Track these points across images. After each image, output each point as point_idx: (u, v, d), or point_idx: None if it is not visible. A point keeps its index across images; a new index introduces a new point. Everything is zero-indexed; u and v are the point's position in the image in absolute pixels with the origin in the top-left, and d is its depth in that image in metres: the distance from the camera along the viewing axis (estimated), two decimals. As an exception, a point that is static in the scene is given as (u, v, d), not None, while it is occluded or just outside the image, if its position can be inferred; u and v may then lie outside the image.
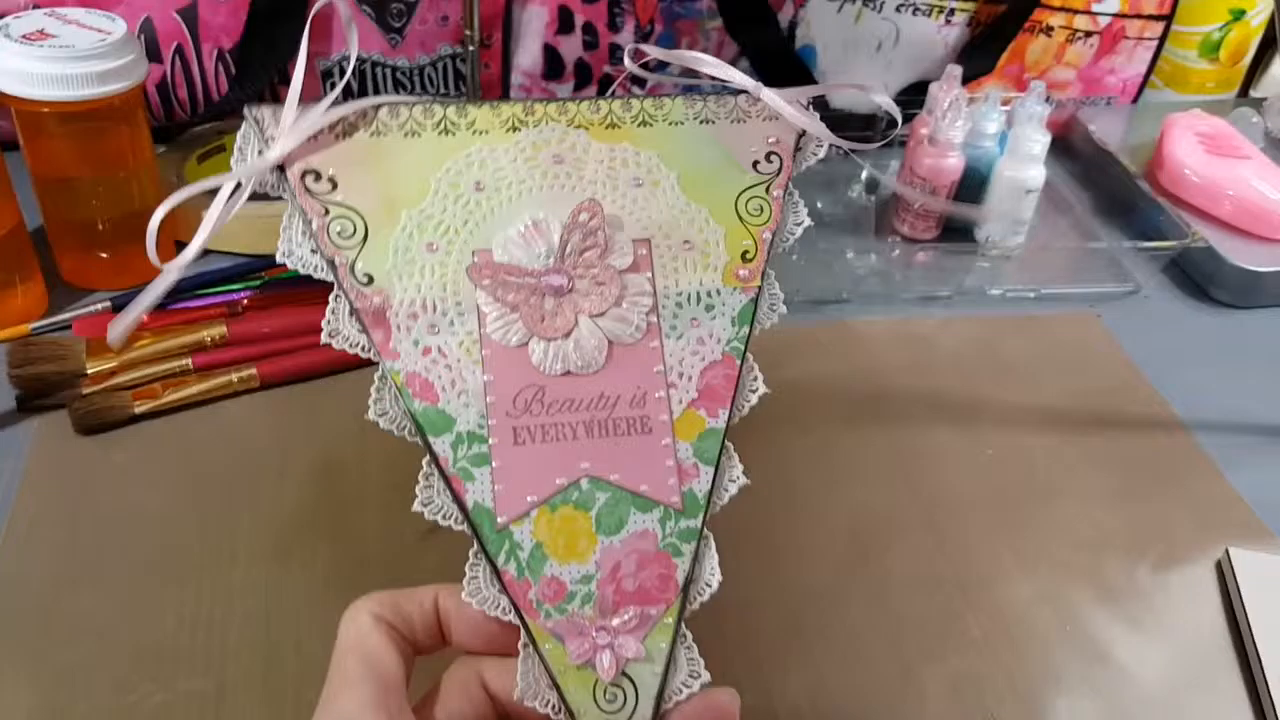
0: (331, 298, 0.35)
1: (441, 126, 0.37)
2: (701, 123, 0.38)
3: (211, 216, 0.36)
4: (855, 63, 0.83)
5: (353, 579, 0.49)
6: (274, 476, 0.54)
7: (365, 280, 0.35)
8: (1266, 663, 0.48)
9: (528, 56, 0.79)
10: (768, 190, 0.38)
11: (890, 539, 0.54)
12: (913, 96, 0.80)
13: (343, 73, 0.79)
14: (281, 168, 0.36)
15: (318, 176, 0.36)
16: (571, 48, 0.78)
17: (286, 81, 0.79)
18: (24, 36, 0.58)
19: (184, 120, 0.78)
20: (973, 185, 0.73)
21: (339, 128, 0.36)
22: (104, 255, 0.66)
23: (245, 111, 0.36)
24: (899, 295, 0.72)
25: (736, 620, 0.48)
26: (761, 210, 0.38)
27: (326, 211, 0.35)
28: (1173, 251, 0.74)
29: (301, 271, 0.35)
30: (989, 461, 0.59)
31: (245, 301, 0.63)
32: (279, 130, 0.36)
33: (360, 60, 0.79)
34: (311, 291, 0.64)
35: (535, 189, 0.37)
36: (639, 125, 0.38)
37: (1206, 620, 0.51)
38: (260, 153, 0.36)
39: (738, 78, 0.39)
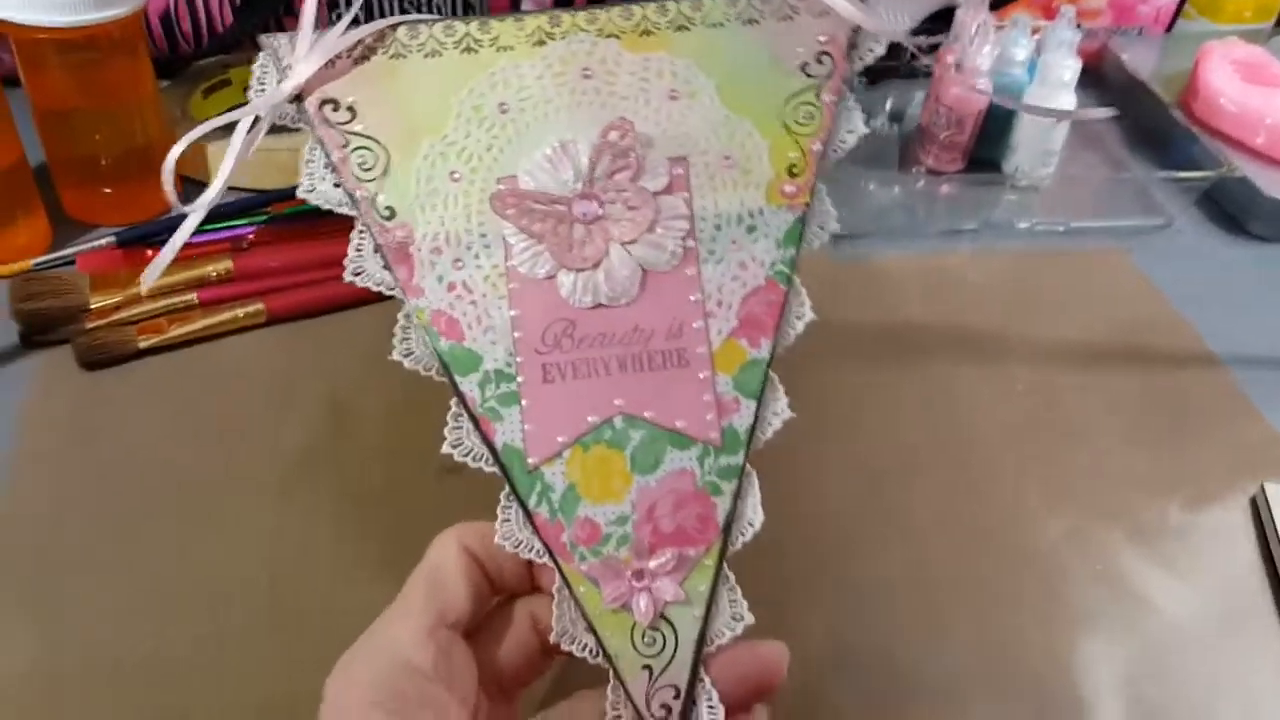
0: (354, 233, 0.34)
1: (463, 44, 0.35)
2: (745, 23, 0.36)
3: (232, 151, 0.35)
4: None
5: (357, 518, 0.48)
6: (279, 413, 0.53)
7: (388, 214, 0.34)
8: (1304, 601, 0.47)
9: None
10: (818, 95, 0.35)
11: (917, 477, 0.52)
12: (940, 23, 0.77)
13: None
14: (300, 98, 0.34)
15: (336, 105, 0.34)
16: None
17: (292, 13, 0.76)
18: (20, -39, 0.56)
19: (188, 53, 0.76)
20: (1000, 115, 0.71)
21: (356, 51, 0.34)
22: (107, 190, 0.64)
23: (261, 40, 0.35)
24: (923, 229, 0.70)
25: (757, 561, 0.47)
26: (811, 118, 0.35)
27: (347, 143, 0.34)
28: (1207, 183, 0.72)
29: (324, 207, 0.34)
30: (1017, 398, 0.57)
31: (251, 237, 0.62)
32: (295, 58, 0.34)
33: (368, -9, 0.77)
34: (317, 226, 0.62)
35: (563, 108, 0.34)
36: (675, 30, 0.35)
37: (1242, 558, 0.50)
38: (278, 83, 0.34)
39: None
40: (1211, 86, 0.75)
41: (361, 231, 0.34)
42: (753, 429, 0.33)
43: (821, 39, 0.35)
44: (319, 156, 0.34)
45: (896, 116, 0.75)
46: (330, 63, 0.34)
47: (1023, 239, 0.70)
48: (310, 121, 0.34)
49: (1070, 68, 0.68)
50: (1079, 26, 0.70)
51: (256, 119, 0.35)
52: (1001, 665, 0.44)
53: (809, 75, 0.35)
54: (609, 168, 0.34)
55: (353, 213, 0.34)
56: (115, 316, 0.56)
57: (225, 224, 0.62)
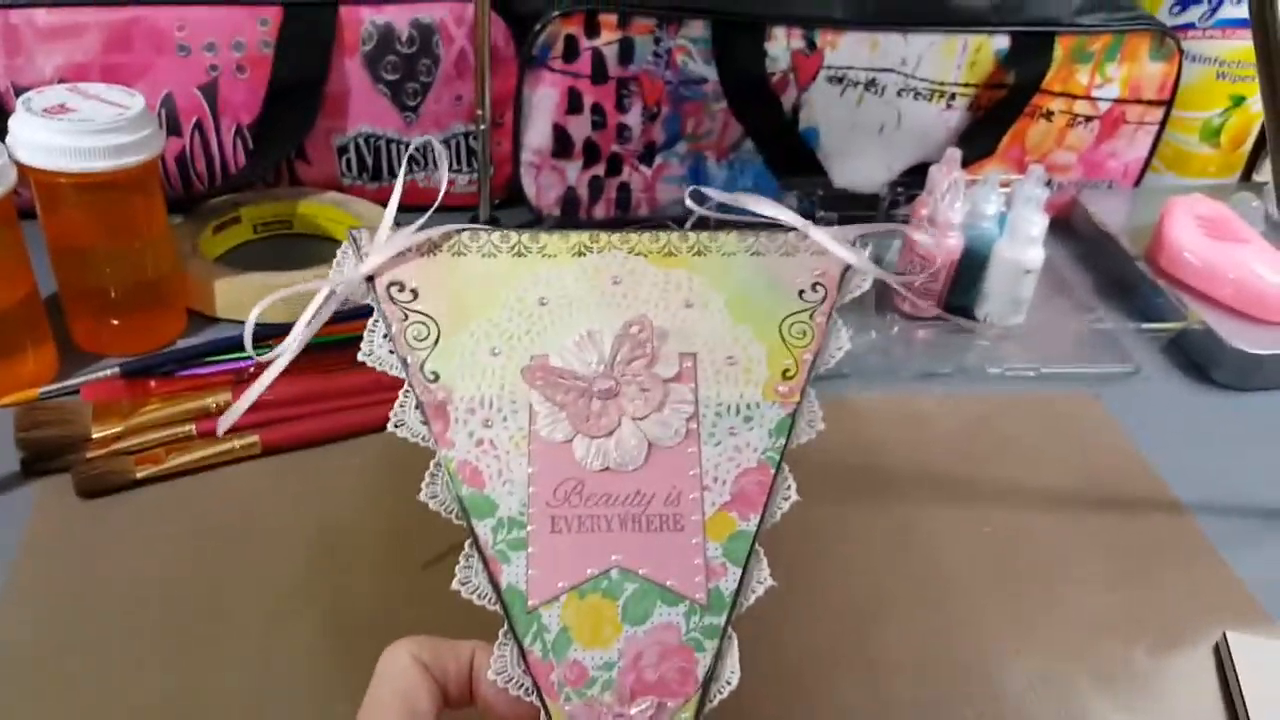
0: (401, 393, 0.38)
1: (515, 249, 0.41)
2: (752, 254, 0.41)
3: (305, 318, 0.41)
4: (858, 145, 0.84)
5: (344, 648, 0.49)
6: (270, 543, 0.55)
7: (433, 377, 0.38)
8: (1261, 748, 0.48)
9: (538, 135, 0.80)
10: (811, 316, 0.40)
11: (885, 617, 0.54)
12: (914, 178, 0.81)
13: (358, 148, 0.81)
14: (371, 279, 0.40)
15: (402, 287, 0.40)
16: (580, 127, 0.80)
17: (303, 156, 0.81)
18: (45, 110, 0.60)
19: (201, 192, 0.80)
20: (972, 265, 0.74)
21: (424, 246, 0.40)
22: (115, 322, 0.67)
23: (347, 233, 0.41)
24: (899, 372, 0.72)
25: (727, 701, 0.48)
26: (805, 334, 0.40)
27: (406, 317, 0.39)
28: (1172, 333, 0.75)
29: (378, 369, 0.39)
30: (986, 540, 0.59)
31: (251, 369, 0.64)
32: (373, 247, 0.40)
33: (375, 137, 0.81)
34: (314, 362, 0.65)
35: (593, 304, 0.40)
36: (694, 254, 0.41)
37: (1204, 706, 0.51)
38: (356, 265, 0.40)
39: (788, 217, 0.42)
40: (1176, 241, 0.79)
41: (407, 391, 0.38)
42: (737, 593, 0.37)
43: (817, 272, 0.41)
44: (380, 327, 0.39)
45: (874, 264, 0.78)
46: (401, 254, 0.40)
47: (995, 383, 0.72)
48: (378, 298, 0.40)
49: (1038, 223, 0.72)
50: (1049, 182, 0.73)
51: (331, 292, 0.41)
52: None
53: (805, 300, 0.41)
54: (628, 355, 0.39)
55: (402, 375, 0.39)
56: (115, 446, 0.58)
57: (227, 356, 0.64)
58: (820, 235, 0.41)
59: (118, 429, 0.59)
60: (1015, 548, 0.59)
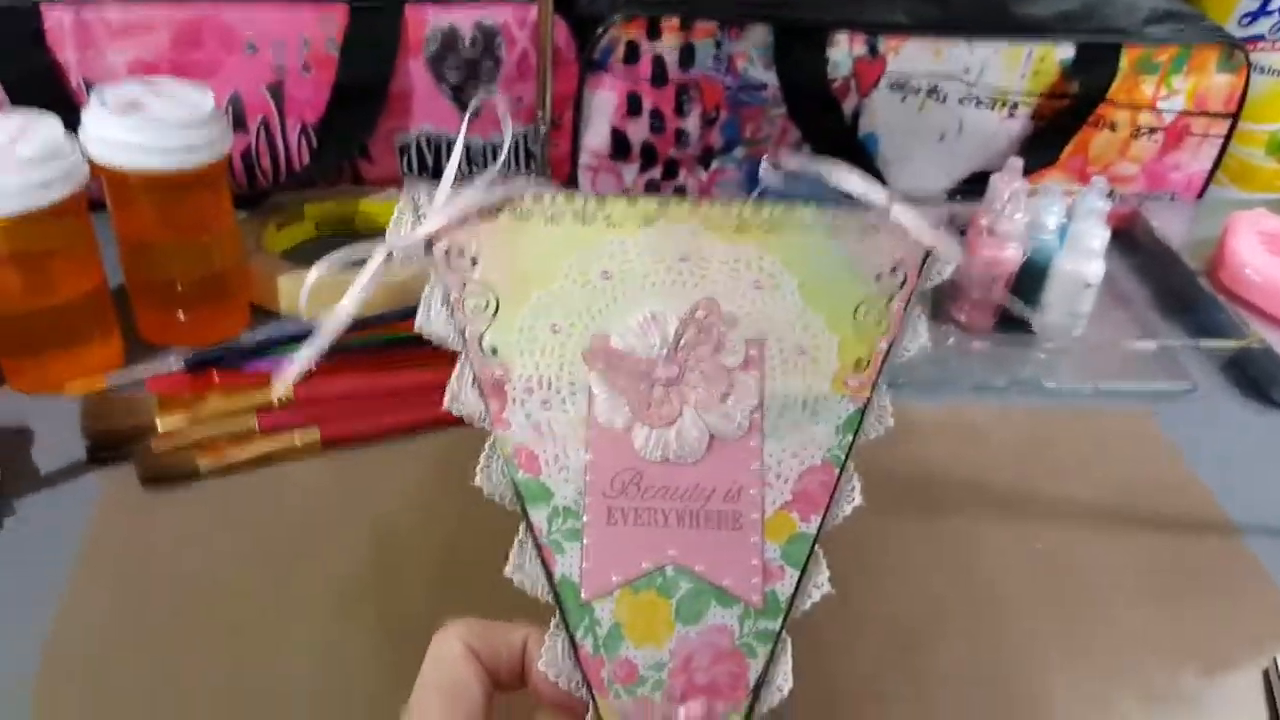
0: (458, 365, 0.37)
1: (580, 215, 0.38)
2: (829, 232, 0.39)
3: (361, 282, 0.38)
4: (917, 152, 0.84)
5: (401, 644, 0.50)
6: (329, 538, 0.56)
7: (491, 352, 0.37)
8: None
9: (596, 137, 0.81)
10: (889, 304, 0.38)
11: (934, 632, 0.54)
12: (974, 186, 0.81)
13: (419, 148, 0.82)
14: (430, 242, 0.38)
15: (461, 253, 0.37)
16: (638, 130, 0.81)
17: (366, 155, 0.82)
18: (118, 106, 0.61)
19: (266, 188, 0.81)
20: (1032, 277, 0.73)
21: (486, 210, 0.38)
22: (181, 315, 0.68)
23: (404, 188, 0.38)
24: (953, 383, 0.72)
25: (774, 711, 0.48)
26: (880, 322, 0.38)
27: (465, 285, 0.37)
28: (1232, 351, 0.74)
29: (434, 340, 0.37)
30: (1037, 556, 0.59)
31: (314, 365, 0.65)
32: (432, 208, 0.38)
33: (437, 137, 0.82)
34: (376, 359, 0.66)
35: (658, 283, 0.38)
36: (767, 230, 0.38)
37: (1253, 729, 0.51)
38: (413, 228, 0.38)
39: (871, 192, 0.39)
40: (1238, 257, 0.78)
41: (464, 364, 0.37)
42: (793, 598, 0.36)
43: (897, 255, 0.38)
44: (438, 294, 0.37)
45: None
46: (461, 216, 0.38)
47: (1050, 397, 0.72)
48: (436, 264, 0.38)
49: (1099, 236, 0.71)
50: (1110, 194, 0.72)
51: (389, 255, 0.38)
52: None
53: (882, 284, 0.38)
54: (693, 340, 0.37)
55: (458, 348, 0.37)
56: (179, 438, 0.59)
57: (290, 350, 0.65)
58: (903, 212, 0.38)
59: (181, 421, 0.60)
60: (1066, 565, 0.58)
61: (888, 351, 0.38)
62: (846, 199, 0.39)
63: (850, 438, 0.37)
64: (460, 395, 0.37)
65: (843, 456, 0.37)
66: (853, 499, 0.37)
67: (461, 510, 0.56)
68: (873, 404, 0.37)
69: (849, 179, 0.39)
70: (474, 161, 0.83)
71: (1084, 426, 0.69)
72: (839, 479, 0.37)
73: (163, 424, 0.60)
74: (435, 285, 0.37)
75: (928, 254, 0.38)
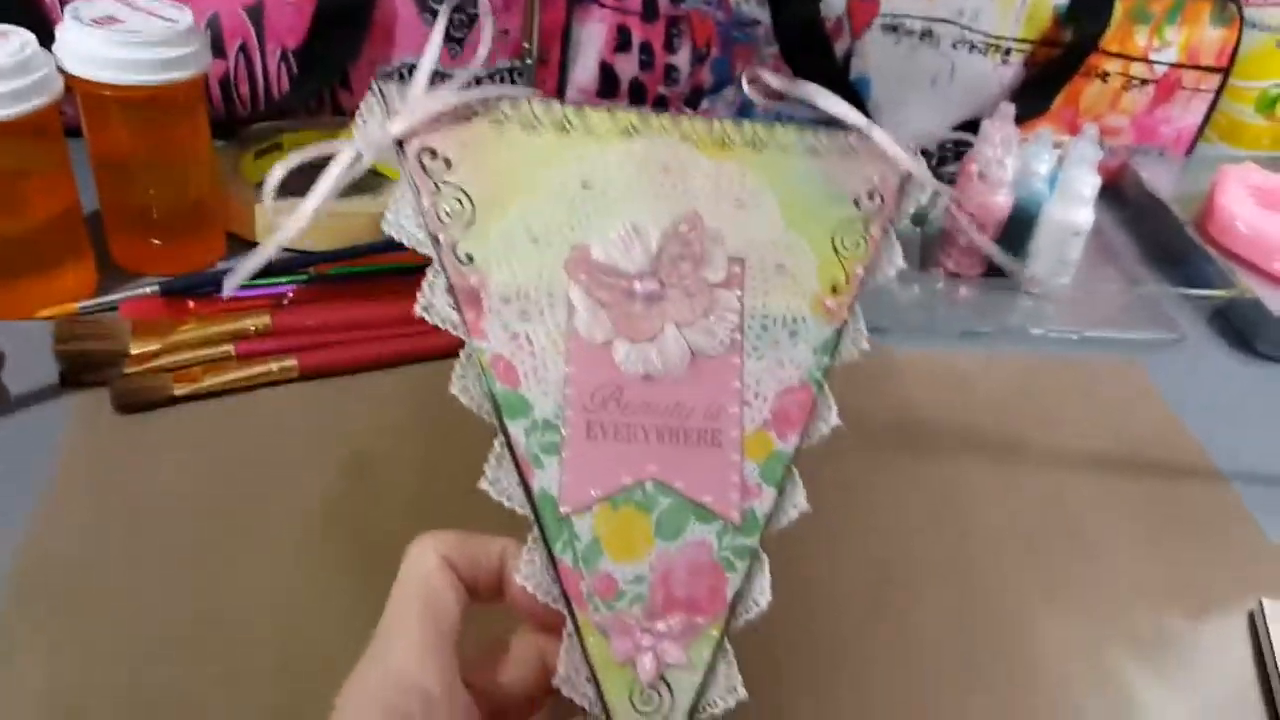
0: (430, 272, 0.36)
1: (560, 124, 0.38)
2: (810, 152, 0.39)
3: (328, 180, 0.37)
4: (909, 96, 0.83)
5: (374, 570, 0.49)
6: (304, 466, 0.55)
7: (466, 260, 0.36)
8: (1297, 717, 0.47)
9: (584, 73, 0.79)
10: (867, 227, 0.38)
11: (919, 575, 0.53)
12: (965, 132, 0.80)
13: (402, 79, 0.80)
14: (400, 142, 0.36)
15: (434, 155, 0.37)
16: (627, 66, 0.79)
17: (346, 84, 0.80)
18: (93, 20, 0.59)
19: (243, 116, 0.79)
20: (1021, 224, 0.73)
21: (462, 111, 0.37)
22: (156, 241, 0.67)
23: (373, 83, 0.37)
24: (940, 329, 0.71)
25: (761, 648, 0.48)
26: (858, 245, 0.38)
27: (438, 189, 0.36)
28: (1219, 301, 0.74)
29: (405, 244, 0.36)
30: (1024, 502, 0.58)
31: (291, 294, 0.64)
32: (405, 105, 0.37)
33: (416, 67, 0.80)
34: (354, 289, 0.65)
35: (640, 194, 0.37)
36: (748, 147, 0.38)
37: (1237, 673, 0.50)
38: (382, 125, 0.37)
39: (851, 115, 0.39)
40: (1227, 210, 0.78)
41: (436, 271, 0.36)
42: (770, 516, 0.36)
43: (875, 179, 0.39)
44: (409, 197, 0.36)
45: (919, 219, 0.77)
46: (435, 117, 0.37)
47: (1036, 345, 0.72)
48: (408, 165, 0.37)
49: (1090, 184, 0.71)
50: (1101, 144, 0.72)
51: (358, 156, 0.37)
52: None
53: (861, 208, 0.38)
54: (675, 255, 0.37)
55: (430, 253, 0.36)
56: (153, 363, 0.58)
57: (268, 280, 0.64)
58: (883, 136, 0.39)
59: (156, 346, 0.59)
60: (1052, 511, 0.58)
61: (865, 276, 0.38)
62: (826, 122, 0.39)
63: (827, 359, 0.37)
64: (433, 302, 0.36)
65: (820, 377, 0.37)
66: (830, 420, 0.37)
67: (439, 439, 0.55)
68: (849, 327, 0.38)
69: (829, 101, 0.39)
70: (458, 94, 0.81)
71: (1071, 374, 0.69)
72: (816, 400, 0.37)
73: (136, 348, 0.58)
74: (406, 186, 0.36)
75: (905, 179, 0.39)
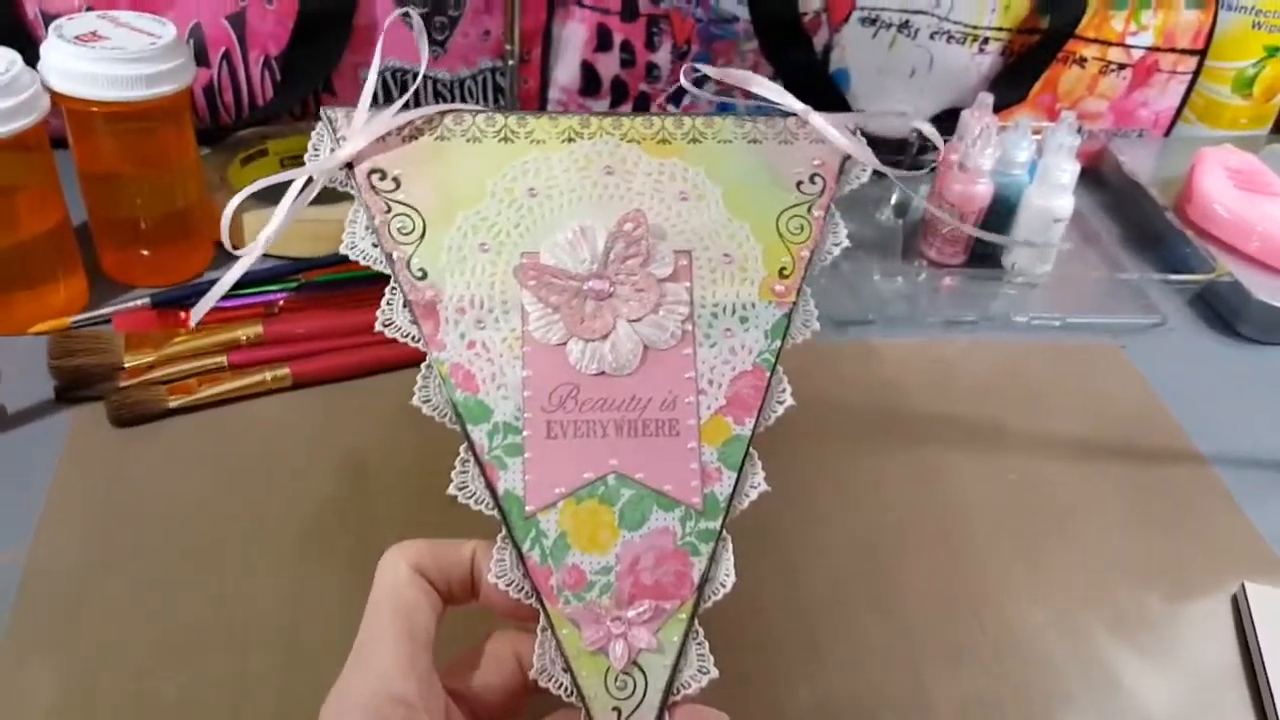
0: (388, 289, 0.37)
1: (502, 134, 0.39)
2: (750, 142, 0.40)
3: (283, 208, 0.38)
4: (888, 88, 0.84)
5: (371, 574, 0.50)
6: (300, 473, 0.56)
7: (420, 275, 0.37)
8: (1279, 700, 0.48)
9: (566, 72, 0.80)
10: (809, 210, 0.40)
11: (905, 556, 0.54)
12: (945, 123, 0.81)
13: (384, 83, 0.81)
14: (350, 165, 0.38)
15: (383, 175, 0.38)
16: (609, 65, 0.80)
17: (330, 90, 0.80)
18: (77, 37, 0.60)
19: (229, 124, 0.80)
20: (1001, 212, 0.74)
21: (406, 131, 0.39)
22: (145, 252, 0.67)
23: (321, 111, 0.39)
24: (924, 319, 0.72)
25: (749, 631, 0.49)
26: (802, 229, 0.39)
27: (389, 209, 0.38)
28: (1199, 285, 0.75)
29: (362, 263, 0.37)
30: (1008, 486, 0.59)
31: (281, 303, 0.64)
32: (351, 130, 0.38)
33: (402, 71, 0.81)
34: (344, 296, 0.65)
35: (585, 197, 0.38)
36: (689, 142, 0.40)
37: (1219, 654, 0.51)
38: (332, 151, 0.38)
39: (788, 100, 0.40)
40: (1205, 193, 0.79)
41: (393, 288, 0.37)
42: (731, 498, 0.37)
43: (816, 162, 0.40)
44: (362, 219, 0.38)
45: (901, 210, 0.78)
46: (381, 138, 0.38)
47: (1020, 332, 0.72)
48: (358, 187, 0.38)
49: (1069, 171, 0.71)
50: (1080, 130, 0.73)
51: (309, 181, 0.38)
52: (983, 746, 0.46)
53: (803, 192, 0.40)
54: (622, 253, 0.38)
55: (386, 270, 0.37)
56: (148, 376, 0.59)
57: (258, 289, 0.65)
58: (820, 121, 0.40)
59: (150, 359, 0.59)
60: (1035, 494, 0.59)
61: (810, 258, 0.39)
62: (763, 109, 0.41)
63: (779, 342, 0.38)
64: (393, 318, 0.37)
65: (772, 360, 0.38)
66: (784, 400, 0.38)
67: (432, 444, 0.56)
68: (798, 308, 0.39)
69: (766, 87, 0.41)
70: (441, 96, 0.82)
71: (1054, 359, 0.70)
72: (770, 382, 0.38)
73: (130, 362, 0.59)
74: (359, 208, 0.38)
75: (845, 160, 0.40)
